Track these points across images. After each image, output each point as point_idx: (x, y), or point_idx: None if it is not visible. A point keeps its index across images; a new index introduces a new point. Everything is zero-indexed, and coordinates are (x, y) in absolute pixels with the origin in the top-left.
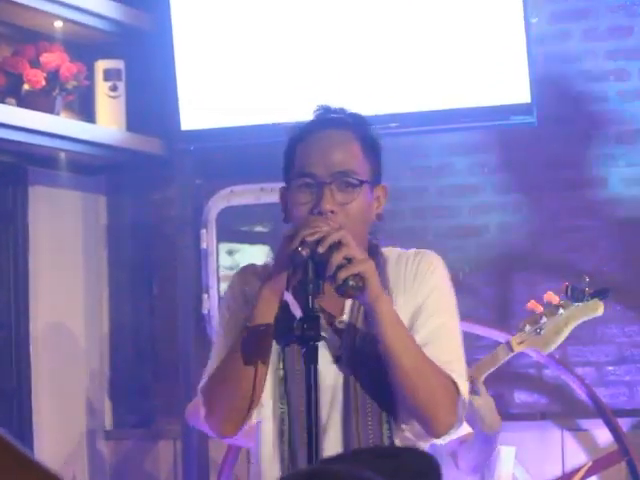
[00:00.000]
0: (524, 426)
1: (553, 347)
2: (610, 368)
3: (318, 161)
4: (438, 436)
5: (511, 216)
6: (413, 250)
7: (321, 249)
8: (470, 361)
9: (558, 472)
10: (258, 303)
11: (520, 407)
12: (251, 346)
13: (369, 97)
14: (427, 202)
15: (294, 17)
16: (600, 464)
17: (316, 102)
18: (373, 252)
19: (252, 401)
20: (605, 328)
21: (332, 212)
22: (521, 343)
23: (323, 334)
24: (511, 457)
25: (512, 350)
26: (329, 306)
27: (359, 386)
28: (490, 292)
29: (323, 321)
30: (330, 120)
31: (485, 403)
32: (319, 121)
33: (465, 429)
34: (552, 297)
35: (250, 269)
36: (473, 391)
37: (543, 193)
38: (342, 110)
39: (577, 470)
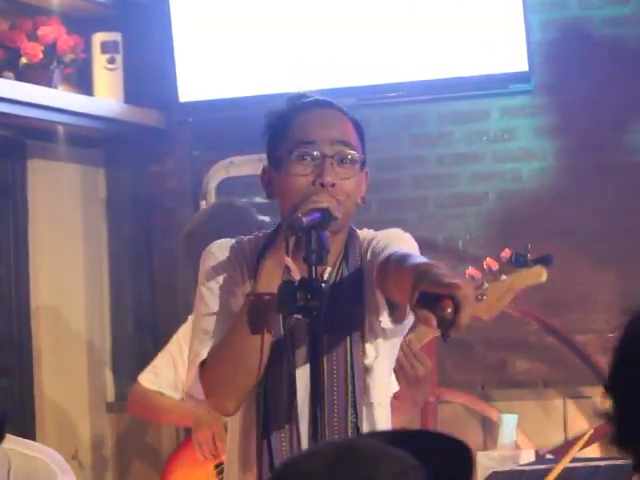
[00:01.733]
0: (526, 394)
1: (495, 313)
2: (612, 335)
3: (320, 132)
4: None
5: (510, 184)
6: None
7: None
8: (474, 342)
9: (560, 439)
10: (261, 274)
11: (522, 375)
12: (257, 318)
13: (368, 67)
14: (426, 171)
15: None
16: (602, 431)
17: (314, 71)
18: (350, 234)
19: (258, 375)
20: (606, 295)
21: (333, 185)
22: None
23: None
24: (513, 425)
25: None
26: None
27: (326, 366)
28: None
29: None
30: (325, 101)
31: (423, 371)
32: (312, 100)
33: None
34: (492, 263)
35: (223, 244)
36: (414, 356)
37: (542, 161)
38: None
39: (579, 437)
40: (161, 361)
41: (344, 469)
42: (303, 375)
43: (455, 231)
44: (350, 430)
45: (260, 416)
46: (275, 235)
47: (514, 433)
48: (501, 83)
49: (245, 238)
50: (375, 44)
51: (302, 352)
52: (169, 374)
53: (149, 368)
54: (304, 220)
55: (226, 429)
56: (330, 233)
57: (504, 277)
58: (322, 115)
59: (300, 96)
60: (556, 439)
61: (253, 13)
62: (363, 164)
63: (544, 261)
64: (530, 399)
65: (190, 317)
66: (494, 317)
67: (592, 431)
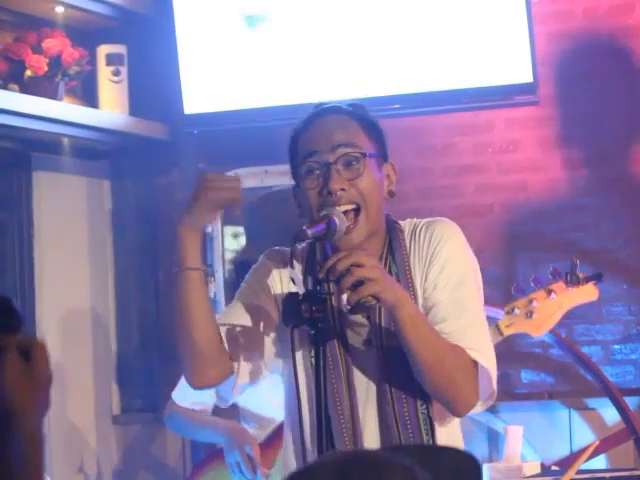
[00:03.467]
0: (531, 405)
1: (544, 331)
2: (617, 347)
3: (320, 141)
4: (459, 415)
5: (515, 196)
6: (425, 220)
7: (332, 277)
8: None
9: (566, 451)
10: (178, 244)
11: (527, 387)
12: (185, 288)
13: (373, 79)
14: (432, 182)
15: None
16: (608, 443)
17: (319, 83)
18: (391, 229)
19: (209, 346)
20: (611, 307)
21: (343, 190)
22: (510, 326)
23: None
24: (519, 436)
25: (502, 334)
26: None
27: (392, 374)
28: (495, 272)
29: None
30: (327, 108)
31: None
32: (314, 113)
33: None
34: (539, 280)
35: (276, 251)
36: None
37: (547, 172)
38: (338, 103)
39: (585, 449)
40: None
41: (352, 477)
42: (360, 382)
43: None
44: (423, 422)
45: (321, 428)
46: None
47: (519, 445)
48: (506, 94)
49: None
50: (380, 56)
51: (359, 364)
52: None
53: (180, 383)
54: (309, 232)
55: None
56: (369, 236)
57: (554, 296)
58: (321, 124)
59: (315, 107)
60: (562, 451)
61: (258, 27)
62: (383, 158)
63: (595, 279)
64: (535, 410)
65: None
66: (543, 334)
67: (598, 442)
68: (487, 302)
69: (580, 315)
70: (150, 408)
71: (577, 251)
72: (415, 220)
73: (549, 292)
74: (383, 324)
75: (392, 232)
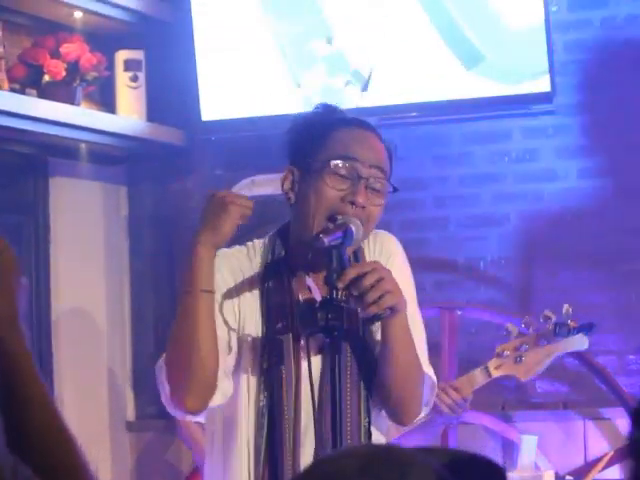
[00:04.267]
0: (546, 415)
1: (532, 375)
2: (632, 357)
3: (362, 151)
4: (404, 425)
5: (532, 205)
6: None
7: (361, 288)
8: (480, 358)
9: (580, 461)
10: (195, 264)
11: (542, 396)
12: (198, 311)
13: (390, 86)
14: (448, 191)
15: (314, 4)
16: (622, 453)
17: (337, 91)
18: None
19: (212, 371)
20: (626, 316)
21: (363, 207)
22: (498, 368)
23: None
24: (533, 446)
25: (490, 375)
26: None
27: (339, 381)
28: (511, 281)
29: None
30: (366, 122)
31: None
32: (353, 118)
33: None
34: (531, 322)
35: (229, 253)
36: (457, 405)
37: (563, 181)
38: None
39: (599, 459)
40: None
41: (376, 470)
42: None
43: (476, 252)
44: (364, 434)
45: (261, 440)
46: (280, 241)
47: (534, 454)
48: (523, 103)
49: (242, 249)
50: (397, 63)
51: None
52: None
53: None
54: (326, 240)
55: None
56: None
57: (544, 343)
58: (364, 135)
59: (334, 109)
60: (576, 461)
61: (275, 33)
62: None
63: (586, 330)
64: (550, 420)
65: None
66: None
67: (612, 453)
68: (502, 310)
69: (596, 325)
70: (165, 415)
71: (594, 261)
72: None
73: (539, 338)
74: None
75: None
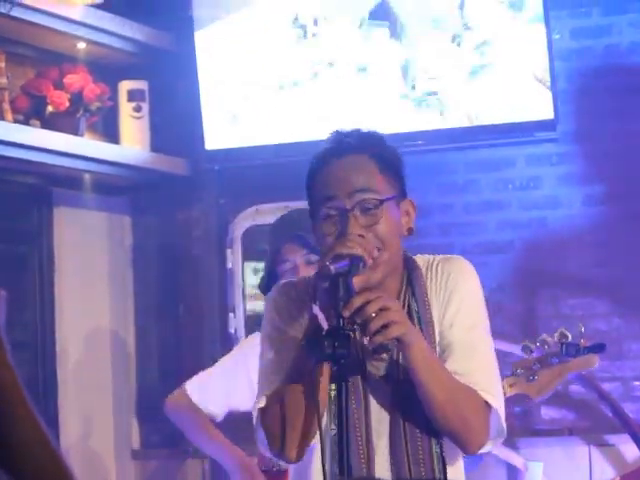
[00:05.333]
0: (551, 441)
1: (544, 396)
2: (637, 383)
3: (337, 187)
4: (469, 453)
5: (536, 232)
6: (441, 256)
7: (364, 316)
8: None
9: None
10: (311, 322)
11: (547, 423)
12: (307, 366)
13: (395, 115)
14: (453, 218)
15: (316, 34)
16: (628, 479)
17: (341, 119)
18: (409, 266)
19: (312, 419)
20: (631, 343)
21: (361, 236)
22: (512, 386)
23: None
24: (538, 473)
25: (504, 393)
26: None
27: (407, 410)
28: (516, 308)
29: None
30: (343, 147)
31: None
32: (333, 149)
33: (496, 444)
34: (546, 340)
35: (289, 285)
36: None
37: (567, 209)
38: (356, 131)
39: None
40: (213, 376)
41: None
42: (375, 413)
43: (480, 278)
44: (437, 461)
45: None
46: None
47: None
48: (527, 131)
49: (302, 279)
50: (401, 92)
51: (375, 397)
52: (217, 391)
53: (199, 379)
54: (332, 268)
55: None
56: (386, 273)
57: (556, 362)
58: (339, 166)
59: (334, 137)
60: None
61: (278, 62)
62: (402, 197)
63: (596, 350)
64: (555, 446)
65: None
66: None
67: (618, 479)
68: (506, 338)
69: (605, 346)
70: (170, 443)
71: (597, 288)
72: (428, 256)
73: (551, 357)
74: (401, 360)
75: (410, 268)
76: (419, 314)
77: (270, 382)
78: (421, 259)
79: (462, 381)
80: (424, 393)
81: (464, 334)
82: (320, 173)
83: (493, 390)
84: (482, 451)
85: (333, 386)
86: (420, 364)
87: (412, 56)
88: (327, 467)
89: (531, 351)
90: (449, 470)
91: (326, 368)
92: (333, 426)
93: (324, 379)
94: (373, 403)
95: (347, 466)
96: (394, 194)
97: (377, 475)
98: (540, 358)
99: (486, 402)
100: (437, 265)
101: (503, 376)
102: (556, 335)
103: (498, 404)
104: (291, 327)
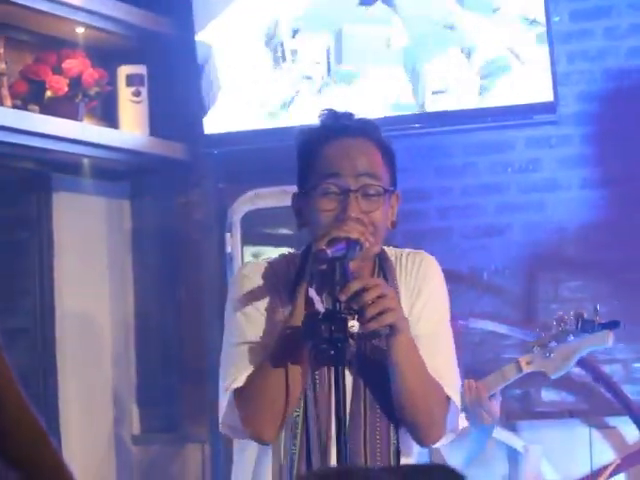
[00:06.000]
0: (551, 424)
1: (561, 372)
2: (637, 365)
3: (344, 165)
4: (425, 446)
5: (535, 215)
6: (408, 250)
7: (361, 302)
8: (484, 368)
9: (586, 470)
10: (297, 307)
11: (547, 405)
12: (292, 350)
13: (393, 98)
14: (451, 201)
15: (315, 17)
16: (628, 461)
17: (338, 103)
18: (381, 256)
19: (295, 403)
20: (632, 325)
21: (358, 219)
22: (529, 364)
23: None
24: (539, 455)
25: (521, 370)
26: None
27: (368, 392)
28: (515, 291)
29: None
30: (351, 128)
31: (492, 418)
32: (342, 127)
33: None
34: (563, 318)
35: (262, 264)
36: (480, 407)
37: (566, 191)
38: (352, 114)
39: (605, 467)
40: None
41: None
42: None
43: (480, 262)
44: (393, 453)
45: (295, 449)
46: (306, 259)
47: (540, 464)
48: (526, 113)
49: (276, 259)
50: (400, 75)
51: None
52: None
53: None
54: (329, 252)
55: None
56: (361, 260)
57: (572, 338)
58: (347, 145)
59: (328, 116)
60: (582, 470)
61: (277, 46)
62: (393, 190)
63: (611, 327)
64: (555, 429)
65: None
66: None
67: (618, 461)
68: (505, 321)
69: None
70: (170, 428)
71: (597, 271)
72: (396, 249)
73: (567, 334)
74: (366, 349)
75: (381, 258)
76: None
77: (245, 362)
78: (390, 251)
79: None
80: (399, 381)
81: (431, 328)
82: (325, 148)
83: (455, 386)
84: (436, 445)
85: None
86: (403, 352)
87: (412, 37)
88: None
89: (547, 329)
90: (404, 462)
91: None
92: (296, 409)
93: (303, 356)
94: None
95: (340, 455)
96: (391, 185)
97: (332, 465)
98: (556, 335)
99: (447, 397)
100: (406, 257)
101: (521, 353)
102: (572, 313)
103: (457, 399)
104: (264, 308)
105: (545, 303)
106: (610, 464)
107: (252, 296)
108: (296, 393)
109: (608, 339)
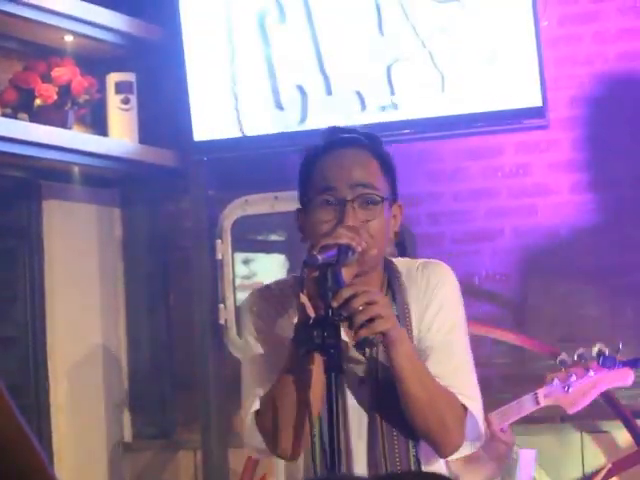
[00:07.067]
0: (544, 429)
1: (577, 408)
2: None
3: (339, 177)
4: (444, 457)
5: (525, 219)
6: (421, 260)
7: (350, 309)
8: (490, 378)
9: (578, 474)
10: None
11: (539, 410)
12: (303, 369)
13: (382, 103)
14: (442, 207)
15: (305, 23)
16: (620, 466)
17: (329, 109)
18: (390, 269)
19: (312, 420)
20: (623, 329)
21: (350, 227)
22: (547, 396)
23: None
24: (531, 460)
25: (538, 403)
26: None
27: (384, 411)
28: (506, 296)
29: (347, 338)
30: (348, 139)
31: (508, 447)
32: (337, 140)
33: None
34: (584, 354)
35: (262, 289)
36: (492, 440)
37: (556, 196)
38: (355, 129)
39: (597, 472)
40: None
41: None
42: (354, 415)
43: (471, 267)
44: (413, 462)
45: (313, 461)
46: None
47: (532, 468)
48: (515, 118)
49: (276, 282)
50: (390, 81)
51: (353, 398)
52: None
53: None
54: (319, 257)
55: None
56: (359, 267)
57: (592, 374)
58: (342, 157)
59: (330, 132)
60: (574, 474)
61: (265, 53)
62: (394, 199)
63: (632, 365)
64: (548, 434)
65: None
66: (576, 411)
67: (610, 466)
68: (497, 326)
69: (592, 338)
70: (162, 435)
71: (588, 275)
72: (408, 260)
73: (587, 369)
74: (381, 359)
75: (390, 272)
76: (398, 318)
77: (260, 383)
78: (401, 263)
79: (441, 384)
80: (405, 392)
81: (442, 337)
82: (320, 162)
83: (471, 393)
84: (458, 454)
85: None
86: (403, 362)
87: (401, 43)
88: (317, 461)
89: (567, 364)
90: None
91: (318, 359)
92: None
93: (317, 370)
94: (353, 404)
95: (332, 464)
96: (390, 195)
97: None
98: (576, 370)
99: (463, 405)
100: (417, 270)
101: (539, 385)
102: (594, 349)
103: (475, 407)
104: (273, 329)
105: (536, 307)
106: (602, 468)
107: (258, 322)
108: (316, 407)
109: (628, 377)
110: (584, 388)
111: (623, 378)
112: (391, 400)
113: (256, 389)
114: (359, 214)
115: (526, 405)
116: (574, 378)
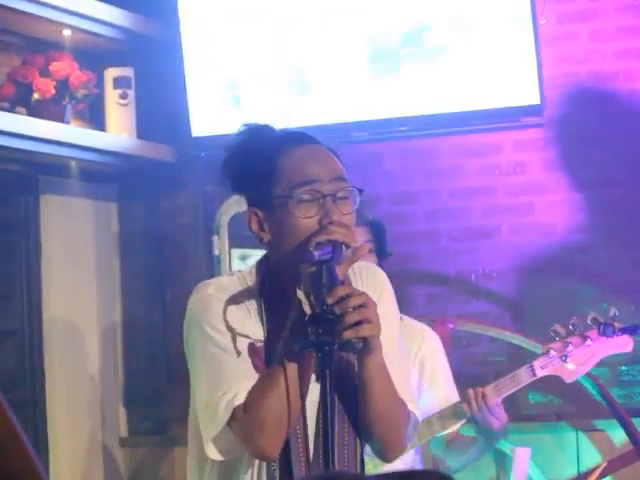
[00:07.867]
0: (539, 427)
1: (576, 377)
2: (624, 368)
3: (318, 171)
4: (389, 461)
5: (523, 217)
6: (359, 263)
7: (343, 307)
8: (472, 371)
9: (573, 472)
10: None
11: (535, 408)
12: (294, 364)
13: (381, 101)
14: (439, 204)
15: (303, 18)
16: (615, 464)
17: (326, 106)
18: None
19: (294, 415)
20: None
21: (340, 223)
22: (544, 367)
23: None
24: (526, 458)
25: (535, 375)
26: None
27: (337, 405)
28: (503, 294)
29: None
30: (309, 136)
31: (500, 423)
32: (300, 135)
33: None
34: (578, 323)
35: (218, 284)
36: (488, 413)
37: (553, 194)
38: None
39: (592, 470)
40: None
41: None
42: (310, 408)
43: (467, 264)
44: (359, 464)
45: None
46: (264, 273)
47: (527, 466)
48: (513, 116)
49: (228, 277)
50: (388, 78)
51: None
52: None
53: None
54: (315, 254)
55: None
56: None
57: (589, 342)
58: (314, 151)
59: (265, 130)
60: (569, 472)
61: (263, 49)
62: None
63: (632, 331)
64: (543, 432)
65: None
66: (575, 380)
67: (605, 464)
68: (493, 324)
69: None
70: (158, 430)
71: (584, 273)
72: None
73: (585, 338)
74: (339, 363)
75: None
76: None
77: (240, 378)
78: None
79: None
80: (369, 399)
81: (388, 345)
82: (288, 155)
83: (414, 401)
84: (396, 458)
85: None
86: (374, 372)
87: (399, 41)
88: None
89: (560, 335)
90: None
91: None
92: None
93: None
94: (312, 399)
95: (326, 460)
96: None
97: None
98: (573, 339)
99: (409, 412)
100: (360, 272)
101: (535, 357)
102: (589, 317)
103: (418, 412)
104: (241, 321)
105: (533, 305)
106: (597, 467)
107: (222, 312)
108: (298, 406)
109: (629, 344)
110: (582, 357)
111: (623, 345)
112: (343, 400)
113: (236, 384)
114: (340, 207)
115: (522, 377)
116: (571, 348)
